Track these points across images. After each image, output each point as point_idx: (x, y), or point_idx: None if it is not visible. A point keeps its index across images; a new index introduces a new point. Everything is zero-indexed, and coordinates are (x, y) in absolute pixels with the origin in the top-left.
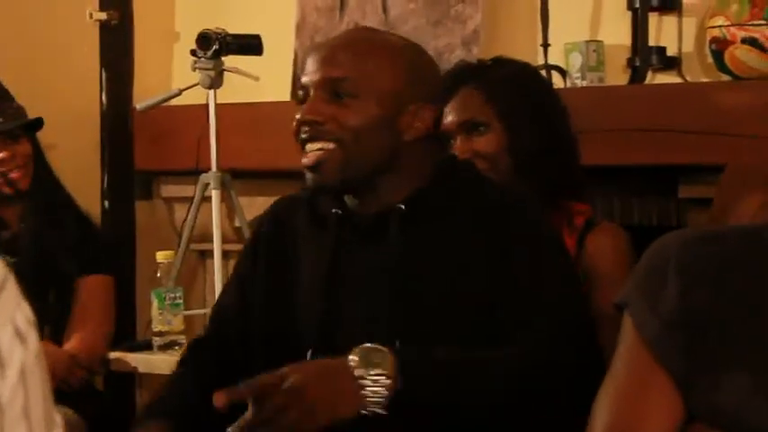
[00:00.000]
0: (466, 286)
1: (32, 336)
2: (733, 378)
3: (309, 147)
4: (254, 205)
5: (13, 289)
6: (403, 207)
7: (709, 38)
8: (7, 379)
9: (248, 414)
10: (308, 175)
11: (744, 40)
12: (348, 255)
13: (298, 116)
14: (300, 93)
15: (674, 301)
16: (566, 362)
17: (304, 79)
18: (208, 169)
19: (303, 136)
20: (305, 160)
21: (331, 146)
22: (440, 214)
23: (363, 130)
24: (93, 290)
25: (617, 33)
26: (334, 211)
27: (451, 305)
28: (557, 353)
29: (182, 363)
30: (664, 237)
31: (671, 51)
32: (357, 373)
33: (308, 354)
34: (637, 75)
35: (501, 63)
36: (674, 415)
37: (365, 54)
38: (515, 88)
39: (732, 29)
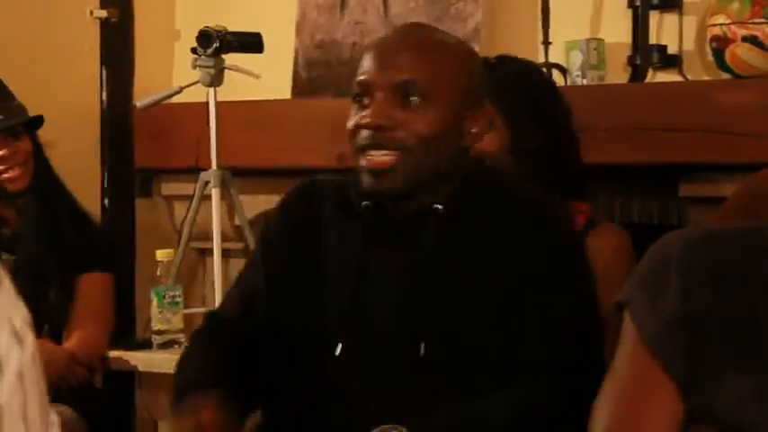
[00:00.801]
0: (493, 288)
1: (29, 336)
2: (733, 378)
3: (373, 152)
4: (255, 203)
5: (9, 289)
6: (441, 207)
7: (709, 36)
8: (5, 380)
9: None
10: (368, 180)
11: (744, 39)
12: (377, 251)
13: (360, 119)
14: (357, 91)
15: (676, 300)
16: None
17: (363, 77)
18: (208, 167)
19: (364, 141)
20: (364, 163)
21: (398, 154)
22: (472, 216)
23: (432, 137)
24: (92, 288)
25: (618, 31)
26: (364, 204)
27: (478, 305)
28: (567, 393)
29: (202, 334)
30: (666, 236)
31: (671, 49)
32: None
33: (338, 348)
34: (637, 73)
35: (505, 61)
36: (674, 415)
37: (434, 56)
38: (519, 86)
39: (733, 27)
